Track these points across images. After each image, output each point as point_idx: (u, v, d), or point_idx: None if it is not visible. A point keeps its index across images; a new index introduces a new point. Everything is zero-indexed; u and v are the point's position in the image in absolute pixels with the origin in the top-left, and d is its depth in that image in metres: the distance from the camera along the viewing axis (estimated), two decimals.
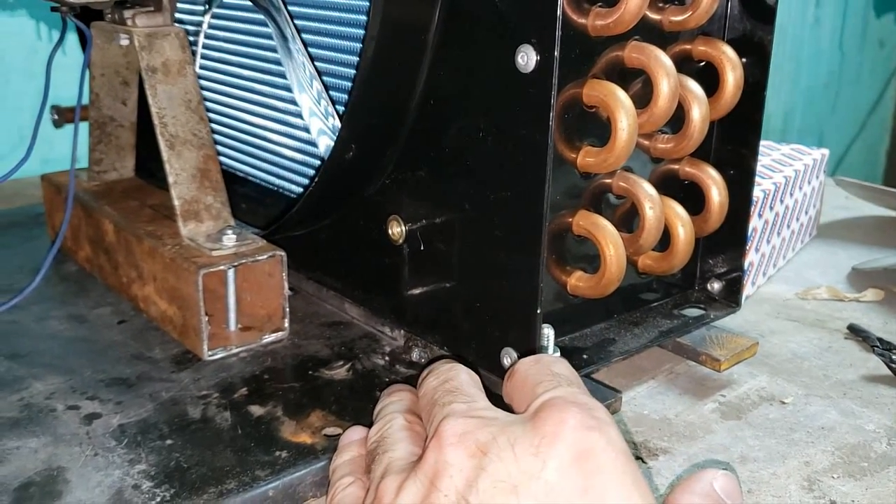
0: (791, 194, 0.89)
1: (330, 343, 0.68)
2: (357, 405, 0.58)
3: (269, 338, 0.67)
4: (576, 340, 0.64)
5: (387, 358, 0.65)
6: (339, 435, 0.55)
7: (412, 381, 0.62)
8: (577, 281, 0.63)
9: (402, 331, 0.67)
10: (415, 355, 0.64)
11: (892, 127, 3.47)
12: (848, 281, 0.89)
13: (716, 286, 0.72)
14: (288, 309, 0.68)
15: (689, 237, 0.65)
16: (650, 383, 0.67)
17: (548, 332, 0.59)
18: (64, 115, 0.86)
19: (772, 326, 0.78)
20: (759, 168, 0.86)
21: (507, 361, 0.57)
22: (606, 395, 0.58)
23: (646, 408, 0.63)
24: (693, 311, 0.70)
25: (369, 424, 0.56)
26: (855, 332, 0.75)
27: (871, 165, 3.00)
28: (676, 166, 0.68)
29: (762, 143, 0.86)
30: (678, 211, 0.65)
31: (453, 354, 0.63)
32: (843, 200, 1.15)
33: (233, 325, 0.68)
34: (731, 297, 0.71)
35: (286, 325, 0.68)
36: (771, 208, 0.84)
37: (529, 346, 0.56)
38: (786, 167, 0.90)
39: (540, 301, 0.55)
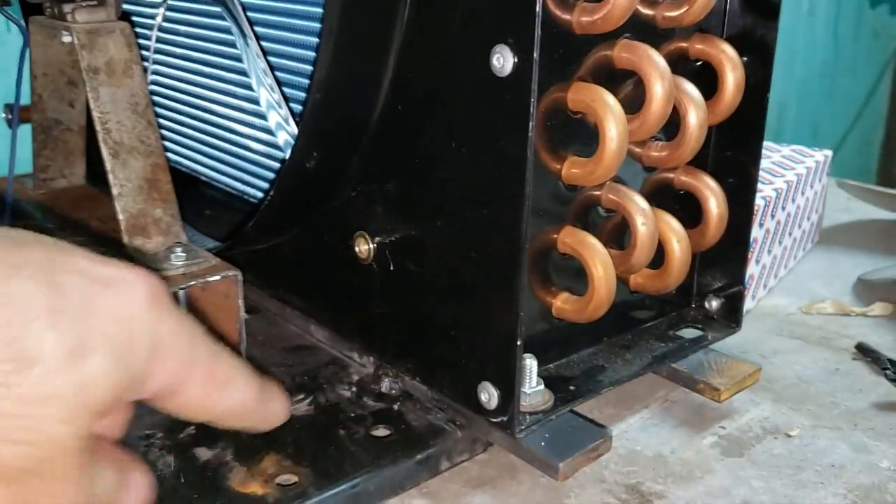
0: (793, 200, 0.83)
1: (292, 372, 0.61)
2: (316, 447, 0.52)
3: None
4: (562, 369, 0.58)
5: (354, 389, 0.59)
6: (295, 483, 0.49)
7: (380, 416, 0.56)
8: (563, 304, 0.57)
9: (371, 357, 0.61)
10: (385, 386, 0.58)
11: (886, 118, 3.42)
12: (854, 293, 0.83)
13: (714, 304, 0.66)
14: (244, 334, 0.62)
15: (685, 254, 0.59)
16: (643, 413, 0.61)
17: (529, 364, 0.53)
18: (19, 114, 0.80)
19: (774, 345, 0.72)
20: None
21: (484, 398, 0.51)
22: (594, 434, 0.52)
23: (639, 443, 0.57)
24: (690, 332, 0.65)
25: (328, 469, 0.50)
26: (864, 352, 0.70)
27: (866, 157, 2.95)
28: (671, 175, 0.62)
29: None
30: (673, 225, 0.59)
31: (428, 386, 0.57)
32: (845, 202, 1.09)
33: None
34: (731, 316, 0.66)
35: (242, 351, 0.62)
36: (772, 216, 0.78)
37: (508, 381, 0.50)
38: (787, 171, 0.84)
39: (520, 332, 0.49)
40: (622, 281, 0.62)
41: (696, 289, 0.68)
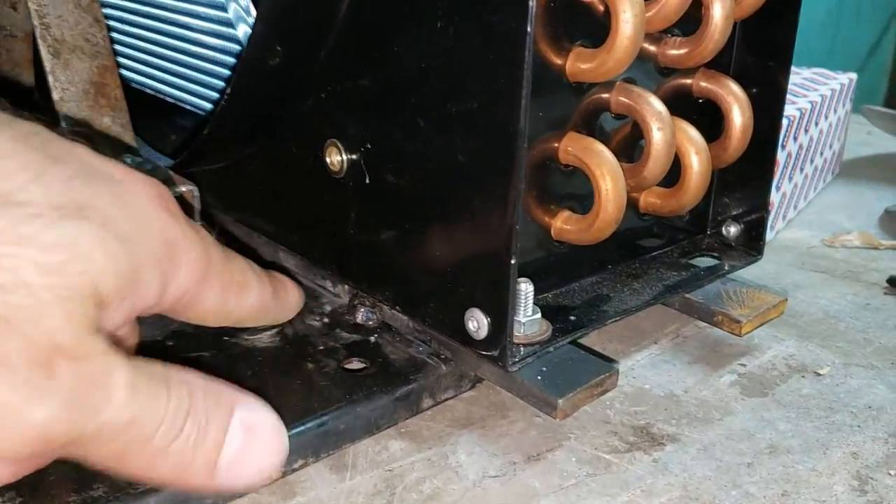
0: (816, 123, 0.76)
1: None
2: (280, 381, 0.46)
3: None
4: (562, 297, 0.51)
5: (326, 319, 0.52)
6: None
7: (355, 348, 0.49)
8: (564, 223, 0.50)
9: (346, 286, 0.54)
10: (360, 316, 0.51)
11: (890, 71, 3.32)
12: (880, 225, 0.76)
13: (732, 230, 0.59)
14: None
15: (704, 168, 0.52)
16: (652, 349, 0.54)
17: (525, 289, 0.46)
18: None
19: (796, 279, 0.65)
20: None
21: (472, 327, 0.45)
22: (599, 368, 0.45)
23: (647, 381, 0.50)
24: (704, 261, 0.57)
25: (293, 405, 0.43)
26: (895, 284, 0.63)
27: None
28: (689, 80, 0.55)
29: None
30: (691, 135, 0.52)
31: (409, 316, 0.50)
32: (865, 136, 1.02)
33: None
34: (752, 244, 0.59)
35: None
36: (794, 139, 0.71)
37: (501, 307, 0.43)
38: (810, 92, 0.76)
39: (514, 249, 0.42)
40: (631, 203, 0.55)
41: (713, 213, 0.61)
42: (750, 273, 0.63)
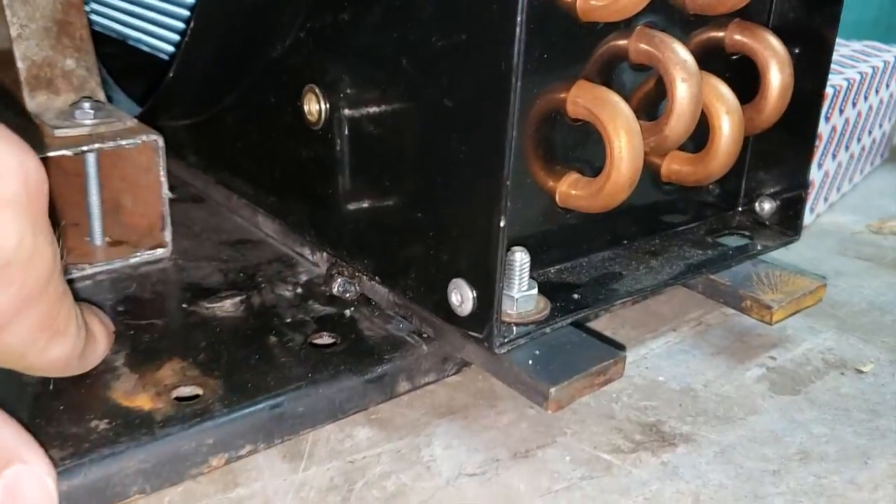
0: (865, 97, 0.68)
1: (226, 267, 0.49)
2: (236, 354, 0.40)
3: (143, 256, 0.49)
4: (566, 273, 0.45)
5: (299, 290, 0.47)
6: (198, 398, 0.37)
7: (326, 322, 0.44)
8: (571, 188, 0.43)
9: (324, 254, 0.48)
10: (336, 287, 0.46)
11: None
12: None
13: (766, 207, 0.52)
14: (169, 218, 0.49)
15: (735, 131, 0.45)
16: (670, 337, 0.48)
17: (520, 259, 0.40)
18: None
19: (837, 266, 0.58)
20: None
21: (455, 300, 0.38)
22: (603, 353, 0.39)
23: (662, 372, 0.44)
24: (734, 240, 0.51)
25: (245, 382, 0.38)
26: None
27: None
28: (722, 33, 0.48)
29: None
30: (722, 92, 0.45)
31: (388, 288, 0.44)
32: None
33: (98, 238, 0.50)
34: (788, 223, 0.52)
35: (167, 239, 0.49)
36: (840, 112, 0.64)
37: (488, 278, 0.37)
38: (860, 63, 0.69)
39: (504, 208, 0.35)
40: (651, 168, 0.48)
41: (746, 188, 0.54)
42: (786, 258, 0.56)
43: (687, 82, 0.41)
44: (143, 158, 0.48)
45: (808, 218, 0.63)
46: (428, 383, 0.42)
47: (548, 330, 0.40)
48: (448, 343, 0.41)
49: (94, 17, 0.62)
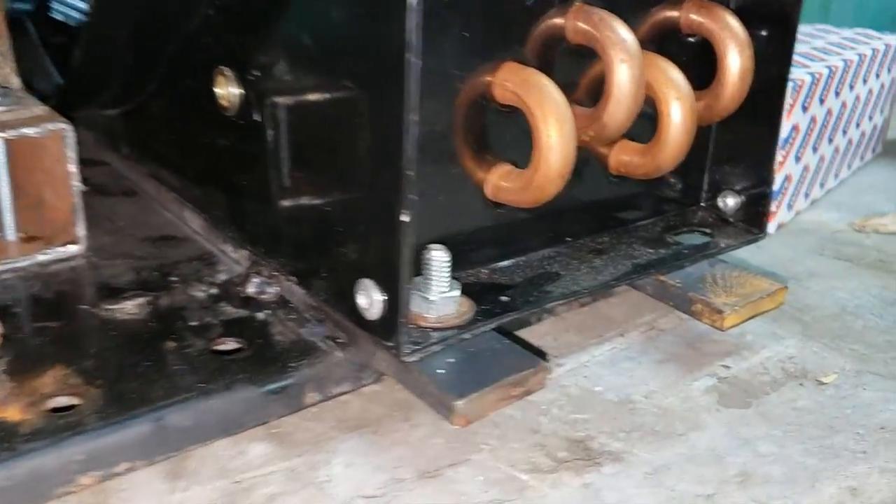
0: (851, 87, 0.64)
1: (141, 265, 0.46)
2: (125, 361, 0.37)
3: (53, 254, 0.46)
4: (499, 273, 0.41)
5: (214, 290, 0.43)
6: (73, 408, 0.33)
7: (235, 326, 0.40)
8: (501, 179, 0.40)
9: (245, 251, 0.45)
10: (252, 288, 0.42)
11: None
12: None
13: (730, 202, 0.48)
14: (82, 213, 0.46)
15: (686, 119, 0.41)
16: (616, 343, 0.44)
17: (439, 257, 0.36)
18: None
19: (812, 267, 0.54)
20: (807, 49, 0.61)
21: (363, 301, 0.35)
22: (521, 362, 0.35)
23: (601, 382, 0.40)
24: (692, 238, 0.47)
25: (129, 392, 0.35)
26: None
27: None
28: (676, 13, 0.44)
29: (816, 26, 0.63)
30: (672, 76, 0.41)
31: (304, 289, 0.40)
32: None
33: (9, 233, 0.47)
34: (753, 220, 0.48)
35: (80, 235, 0.46)
36: (821, 101, 0.59)
37: (394, 277, 0.33)
38: (846, 51, 0.65)
39: (406, 201, 0.32)
40: (599, 161, 0.45)
41: (708, 181, 0.50)
42: (758, 258, 0.52)
43: (627, 64, 0.38)
44: (53, 146, 0.45)
45: (786, 215, 0.59)
46: (342, 393, 0.38)
47: (468, 336, 0.36)
48: (361, 350, 0.38)
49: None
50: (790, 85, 0.55)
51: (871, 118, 0.71)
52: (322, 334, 0.39)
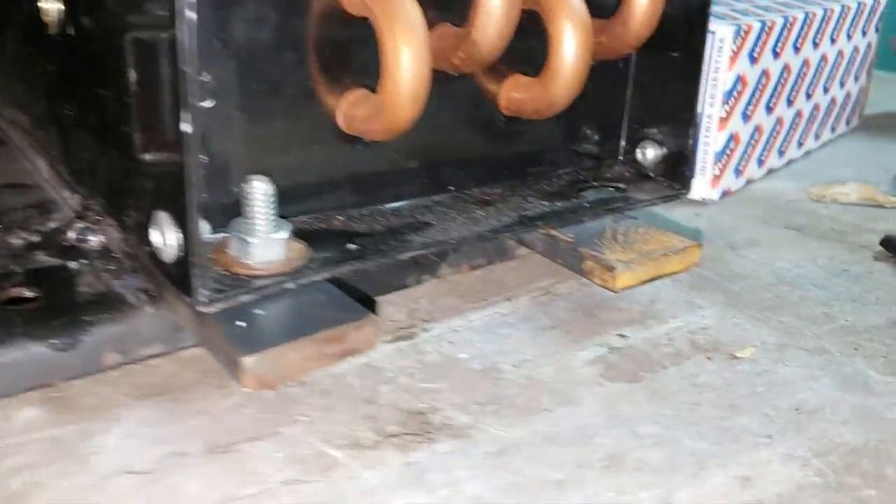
0: (815, 44, 0.57)
1: None
2: None
3: None
4: (361, 220, 0.35)
5: (35, 238, 0.37)
6: None
7: (39, 275, 0.34)
8: (352, 107, 0.33)
9: (79, 195, 0.39)
10: (72, 234, 0.36)
11: None
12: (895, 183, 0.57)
13: (649, 154, 0.42)
14: None
15: (581, 46, 0.35)
16: (500, 308, 0.37)
17: (258, 189, 0.30)
18: None
19: (754, 235, 0.47)
20: (769, 2, 0.55)
21: (157, 240, 0.29)
22: (341, 315, 0.29)
23: (469, 349, 0.34)
24: (601, 195, 0.41)
25: None
26: (892, 246, 0.45)
27: None
28: None
29: None
30: None
31: (120, 229, 0.34)
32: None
33: None
34: (674, 174, 0.41)
35: None
36: (775, 54, 0.53)
37: (181, 206, 0.27)
38: (810, 5, 0.58)
39: (187, 103, 0.26)
40: (491, 101, 0.38)
41: (627, 131, 0.43)
42: (692, 225, 0.46)
43: None
44: None
45: (734, 181, 0.53)
46: (152, 356, 0.32)
47: (291, 285, 0.30)
48: (166, 302, 0.32)
49: None
50: (733, 30, 0.49)
51: (842, 84, 0.64)
52: (136, 287, 0.33)
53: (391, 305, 0.37)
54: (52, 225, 0.39)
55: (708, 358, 0.34)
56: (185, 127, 0.26)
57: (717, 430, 0.30)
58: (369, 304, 0.34)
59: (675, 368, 0.33)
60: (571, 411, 0.30)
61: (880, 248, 0.45)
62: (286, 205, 0.33)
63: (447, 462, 0.27)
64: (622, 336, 0.35)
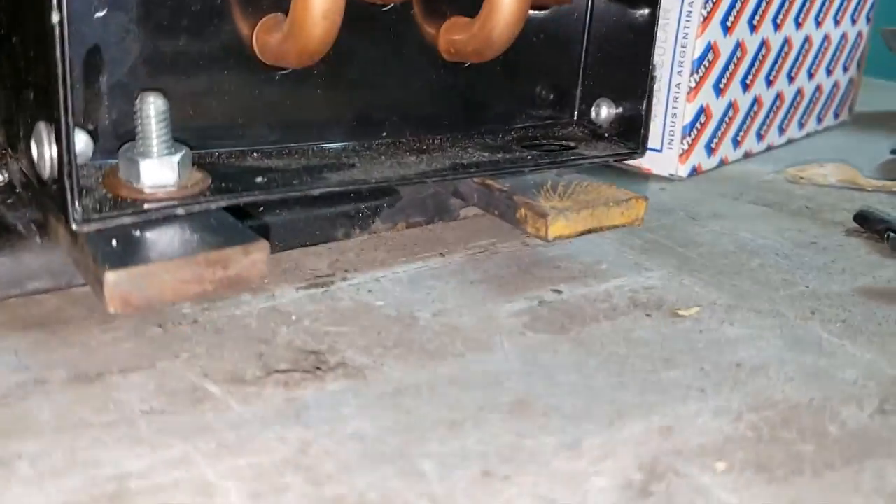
0: (798, 24, 0.55)
1: None
2: None
3: None
4: (274, 157, 0.33)
5: None
6: None
7: None
8: (268, 32, 0.31)
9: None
10: None
11: None
12: (882, 171, 0.55)
13: (603, 112, 0.39)
14: None
15: None
16: (431, 263, 0.35)
17: (150, 105, 0.28)
18: None
19: (721, 209, 0.45)
20: None
21: (35, 152, 0.27)
22: (227, 240, 0.26)
23: (387, 297, 0.31)
24: (550, 150, 0.38)
25: None
26: (866, 222, 0.42)
27: None
28: None
29: None
30: None
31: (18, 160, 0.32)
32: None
33: None
34: (629, 133, 0.39)
35: None
36: (752, 27, 0.50)
37: (54, 109, 0.25)
38: None
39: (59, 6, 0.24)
40: (431, 47, 0.36)
41: (582, 88, 0.41)
42: (655, 199, 0.43)
43: None
44: None
45: (706, 159, 0.50)
46: (37, 291, 0.30)
47: (180, 211, 0.27)
48: (50, 226, 0.29)
49: None
50: None
51: (829, 72, 0.61)
52: (31, 219, 0.31)
53: (314, 256, 0.35)
54: None
55: (647, 315, 0.31)
56: (55, 17, 0.24)
57: (644, 382, 0.27)
58: (265, 234, 0.32)
59: (608, 323, 0.30)
60: (485, 357, 0.27)
61: (854, 223, 0.42)
62: (196, 137, 0.30)
63: (334, 399, 0.24)
64: (556, 291, 0.33)
